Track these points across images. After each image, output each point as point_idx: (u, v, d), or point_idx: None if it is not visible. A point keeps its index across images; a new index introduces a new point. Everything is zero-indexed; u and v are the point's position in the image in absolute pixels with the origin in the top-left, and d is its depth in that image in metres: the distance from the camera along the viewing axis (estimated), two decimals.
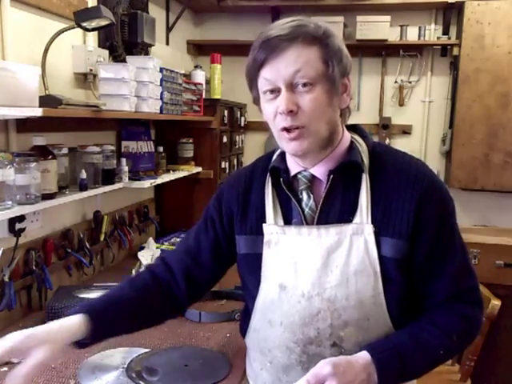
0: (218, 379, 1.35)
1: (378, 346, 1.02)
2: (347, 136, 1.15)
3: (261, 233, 1.14)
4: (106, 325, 1.09)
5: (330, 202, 1.10)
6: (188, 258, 1.23)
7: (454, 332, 1.06)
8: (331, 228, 1.08)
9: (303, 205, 1.11)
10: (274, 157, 1.19)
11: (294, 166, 1.14)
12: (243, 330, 1.22)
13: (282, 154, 1.18)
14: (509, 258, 2.81)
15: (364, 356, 0.99)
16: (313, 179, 1.12)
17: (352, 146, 1.13)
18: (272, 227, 1.13)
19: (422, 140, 3.42)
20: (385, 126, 3.42)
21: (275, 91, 1.04)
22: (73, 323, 1.04)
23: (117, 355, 1.46)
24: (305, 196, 1.12)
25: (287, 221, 1.13)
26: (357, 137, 1.16)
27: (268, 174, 1.17)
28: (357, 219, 1.07)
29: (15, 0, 1.68)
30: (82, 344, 1.06)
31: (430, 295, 1.10)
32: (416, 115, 3.43)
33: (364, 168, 1.09)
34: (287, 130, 1.04)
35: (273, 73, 1.03)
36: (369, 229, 1.06)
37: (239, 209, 1.19)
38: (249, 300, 1.20)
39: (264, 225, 1.14)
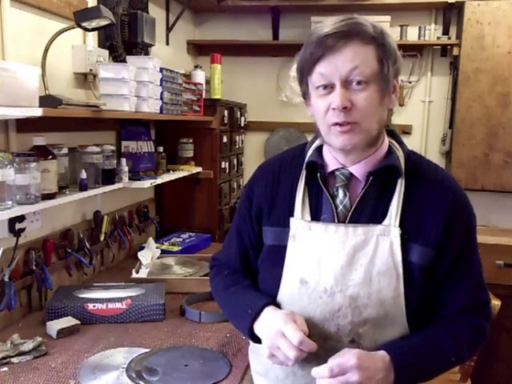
0: (218, 379, 1.35)
1: (396, 348, 1.05)
2: (387, 139, 1.17)
3: (287, 225, 1.15)
4: None
5: (364, 202, 1.11)
6: (242, 258, 1.27)
7: (465, 341, 1.10)
8: (359, 227, 1.09)
9: (337, 202, 1.13)
10: (310, 151, 1.20)
11: (332, 162, 1.15)
12: None
13: (319, 150, 1.19)
14: (509, 257, 2.81)
15: (384, 356, 1.02)
16: (350, 177, 1.13)
17: (390, 150, 1.15)
18: (299, 222, 1.14)
19: (422, 140, 3.43)
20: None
21: (328, 87, 1.06)
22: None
23: (117, 355, 1.47)
24: (340, 193, 1.13)
25: (315, 216, 1.14)
26: (394, 142, 1.18)
27: (303, 168, 1.18)
28: (386, 221, 1.09)
29: (15, 0, 1.68)
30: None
31: (445, 304, 1.13)
32: (416, 115, 3.43)
33: (401, 173, 1.11)
34: (339, 124, 1.05)
35: (329, 68, 1.04)
36: (395, 232, 1.07)
37: (267, 201, 1.21)
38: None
39: (291, 219, 1.15)
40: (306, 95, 1.14)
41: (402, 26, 3.28)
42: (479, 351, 1.98)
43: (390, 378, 1.01)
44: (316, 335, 1.08)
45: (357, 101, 1.03)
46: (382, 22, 3.14)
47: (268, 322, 1.08)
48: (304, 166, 1.17)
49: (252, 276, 1.25)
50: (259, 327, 1.10)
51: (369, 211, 1.10)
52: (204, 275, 2.10)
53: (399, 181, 1.11)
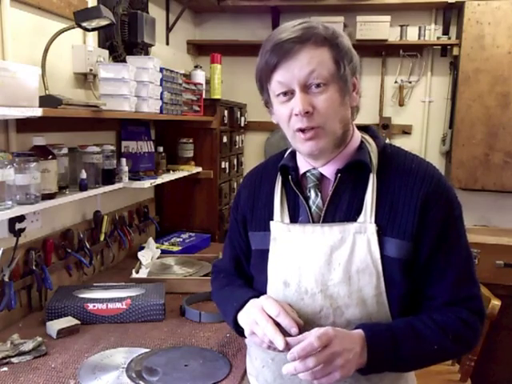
0: (218, 379, 1.35)
1: (372, 325, 1.04)
2: (357, 135, 1.16)
3: (269, 229, 1.16)
4: None
5: (337, 200, 1.11)
6: (235, 264, 1.30)
7: (450, 331, 1.05)
8: (335, 226, 1.09)
9: (310, 202, 1.13)
10: (285, 155, 1.22)
11: (303, 164, 1.16)
12: None
13: (293, 153, 1.20)
14: (509, 258, 2.81)
15: (359, 332, 1.01)
16: (321, 178, 1.14)
17: (362, 146, 1.14)
18: (278, 225, 1.15)
19: (422, 140, 3.42)
20: (385, 126, 3.41)
21: (288, 93, 1.06)
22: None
23: (117, 355, 1.47)
24: (312, 194, 1.13)
25: (294, 218, 1.14)
26: (367, 137, 1.17)
27: (278, 172, 1.19)
28: (361, 218, 1.08)
29: (15, 0, 1.68)
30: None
31: (429, 298, 1.10)
32: (416, 115, 3.43)
33: (372, 168, 1.10)
34: (302, 130, 1.06)
35: (287, 75, 1.04)
36: (372, 228, 1.06)
37: (249, 207, 1.23)
38: None
39: (271, 222, 1.16)
40: (268, 104, 1.14)
41: (402, 26, 3.28)
42: (479, 351, 1.99)
43: (363, 354, 0.98)
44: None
45: (318, 104, 1.04)
46: (382, 21, 3.16)
47: (249, 308, 1.09)
48: (278, 169, 1.19)
49: (247, 281, 1.26)
50: (241, 315, 1.11)
51: (344, 209, 1.10)
52: (204, 275, 2.10)
53: (371, 176, 1.09)
